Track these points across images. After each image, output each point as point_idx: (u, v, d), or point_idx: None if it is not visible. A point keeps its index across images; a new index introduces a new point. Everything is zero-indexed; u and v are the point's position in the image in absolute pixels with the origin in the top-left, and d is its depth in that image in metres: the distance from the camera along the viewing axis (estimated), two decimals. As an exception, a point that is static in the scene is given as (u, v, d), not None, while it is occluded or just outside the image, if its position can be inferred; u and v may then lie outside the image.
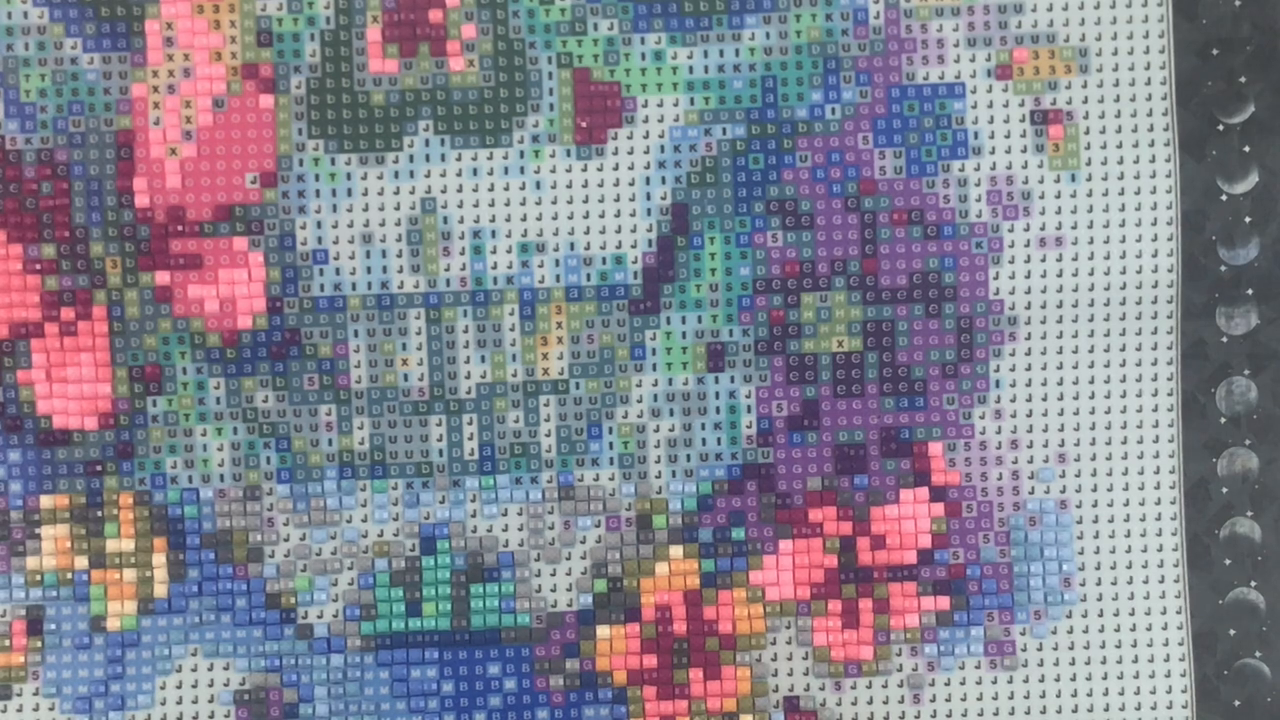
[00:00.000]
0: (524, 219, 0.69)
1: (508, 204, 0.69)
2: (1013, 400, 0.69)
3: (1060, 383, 0.69)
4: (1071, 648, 0.69)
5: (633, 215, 0.69)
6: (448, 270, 0.69)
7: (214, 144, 0.68)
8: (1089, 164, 0.69)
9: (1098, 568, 0.69)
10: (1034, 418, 0.69)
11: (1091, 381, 0.69)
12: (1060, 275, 0.69)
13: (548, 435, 0.69)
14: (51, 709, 0.68)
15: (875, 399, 0.69)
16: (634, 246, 0.69)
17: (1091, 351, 0.69)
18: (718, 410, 0.69)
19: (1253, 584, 0.70)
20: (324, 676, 0.68)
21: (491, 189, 0.69)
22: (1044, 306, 0.69)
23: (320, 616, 0.69)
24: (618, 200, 0.69)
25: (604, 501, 0.69)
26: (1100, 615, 0.69)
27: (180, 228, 0.68)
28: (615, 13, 0.68)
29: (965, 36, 0.69)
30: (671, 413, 0.69)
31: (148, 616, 0.68)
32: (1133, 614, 0.69)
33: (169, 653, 0.68)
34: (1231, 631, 0.70)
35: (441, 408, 0.69)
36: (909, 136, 0.69)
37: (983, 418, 0.69)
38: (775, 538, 0.69)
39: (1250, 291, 0.70)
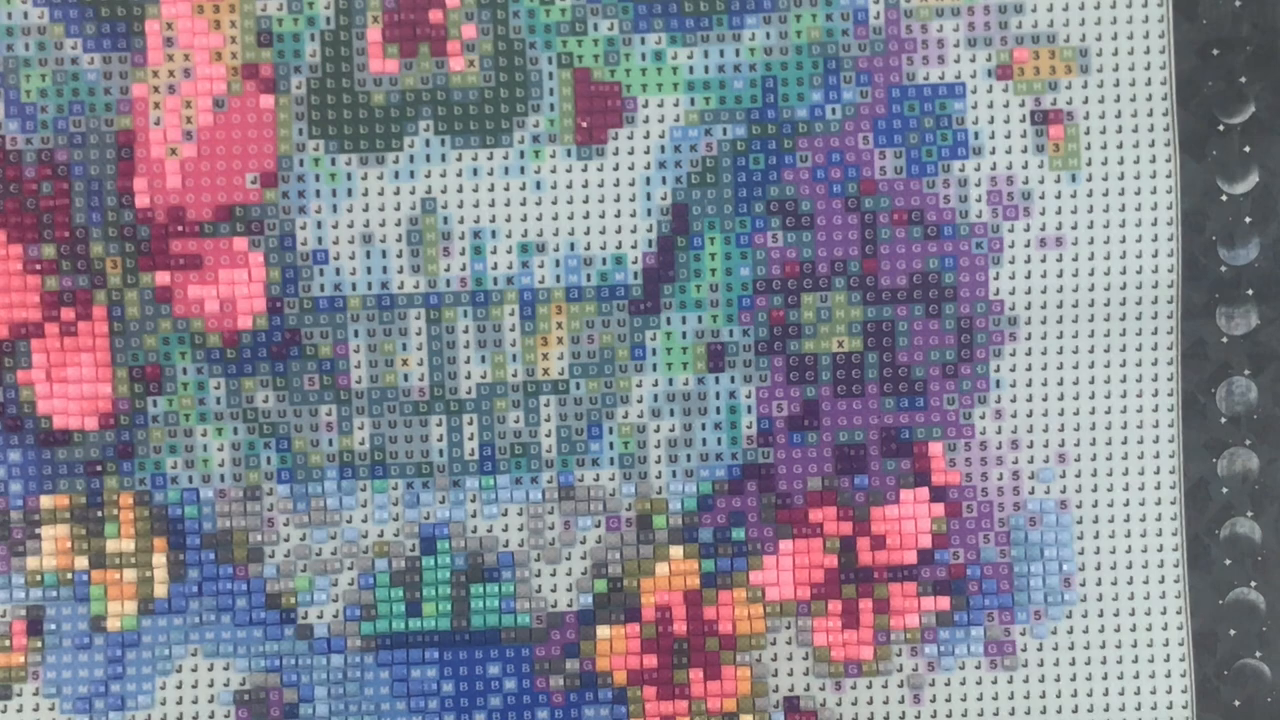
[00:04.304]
0: (524, 219, 0.69)
1: (508, 204, 0.69)
2: (1013, 400, 0.69)
3: (1060, 383, 0.69)
4: (1071, 648, 0.69)
5: (633, 215, 0.69)
6: (448, 270, 0.69)
7: (214, 144, 0.68)
8: (1089, 164, 0.69)
9: (1098, 568, 0.69)
10: (1034, 418, 0.69)
11: (1091, 381, 0.69)
12: (1060, 275, 0.69)
13: (548, 435, 0.69)
14: (51, 709, 0.68)
15: (875, 399, 0.69)
16: (634, 246, 0.69)
17: (1091, 351, 0.69)
18: (718, 410, 0.69)
19: (1253, 584, 0.70)
20: (324, 676, 0.68)
21: (491, 189, 0.69)
22: (1044, 306, 0.69)
23: (320, 616, 0.69)
24: (618, 200, 0.69)
25: (604, 501, 0.69)
26: (1100, 615, 0.69)
27: (180, 228, 0.68)
28: (615, 13, 0.68)
29: (965, 36, 0.69)
30: (672, 413, 0.69)
31: (148, 616, 0.68)
32: (1133, 614, 0.69)
33: (169, 653, 0.68)
34: (1231, 631, 0.70)
35: (441, 408, 0.69)
36: (909, 136, 0.69)
37: (983, 418, 0.69)
38: (775, 538, 0.69)
39: (1250, 291, 0.70)
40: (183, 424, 0.68)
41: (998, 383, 0.69)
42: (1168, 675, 0.69)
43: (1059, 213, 0.69)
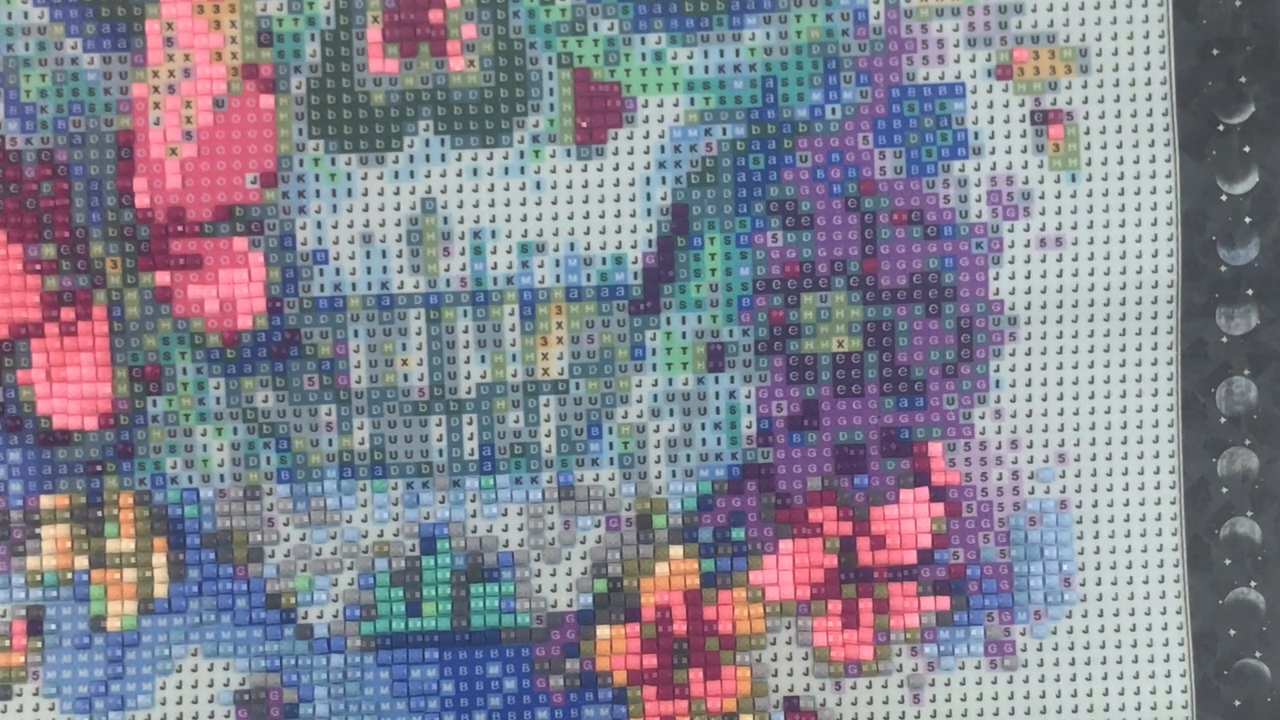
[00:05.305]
0: (524, 219, 0.69)
1: (508, 204, 0.69)
2: (1013, 400, 0.69)
3: (1060, 383, 0.69)
4: (1071, 648, 0.69)
5: (633, 215, 0.69)
6: (448, 270, 0.69)
7: (214, 144, 0.68)
8: (1089, 164, 0.69)
9: (1098, 568, 0.69)
10: (1034, 418, 0.69)
11: (1091, 381, 0.69)
12: (1060, 275, 0.69)
13: (548, 435, 0.69)
14: (51, 709, 0.68)
15: (875, 399, 0.69)
16: (634, 246, 0.69)
17: (1091, 351, 0.69)
18: (718, 410, 0.69)
19: (1253, 584, 0.70)
20: (324, 676, 0.68)
21: (491, 189, 0.69)
22: (1044, 306, 0.69)
23: (320, 616, 0.69)
24: (618, 200, 0.69)
25: (604, 501, 0.69)
26: (1100, 615, 0.69)
27: (180, 228, 0.68)
28: (615, 13, 0.68)
29: (965, 36, 0.69)
30: (671, 413, 0.69)
31: (148, 616, 0.68)
32: (1133, 614, 0.69)
33: (169, 653, 0.68)
34: (1231, 631, 0.70)
35: (441, 408, 0.69)
36: (909, 136, 0.69)
37: (983, 418, 0.69)
38: (775, 538, 0.69)
39: (1250, 291, 0.70)
40: (183, 424, 0.68)
41: (998, 383, 0.69)
42: (1168, 675, 0.69)
43: (1059, 213, 0.69)
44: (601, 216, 0.69)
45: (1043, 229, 0.69)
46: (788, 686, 0.69)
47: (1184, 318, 0.69)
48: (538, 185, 0.69)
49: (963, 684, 0.69)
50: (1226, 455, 0.70)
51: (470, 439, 0.69)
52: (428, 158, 0.68)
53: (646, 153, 0.69)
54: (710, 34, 0.68)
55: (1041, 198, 0.69)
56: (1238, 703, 0.70)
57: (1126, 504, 0.69)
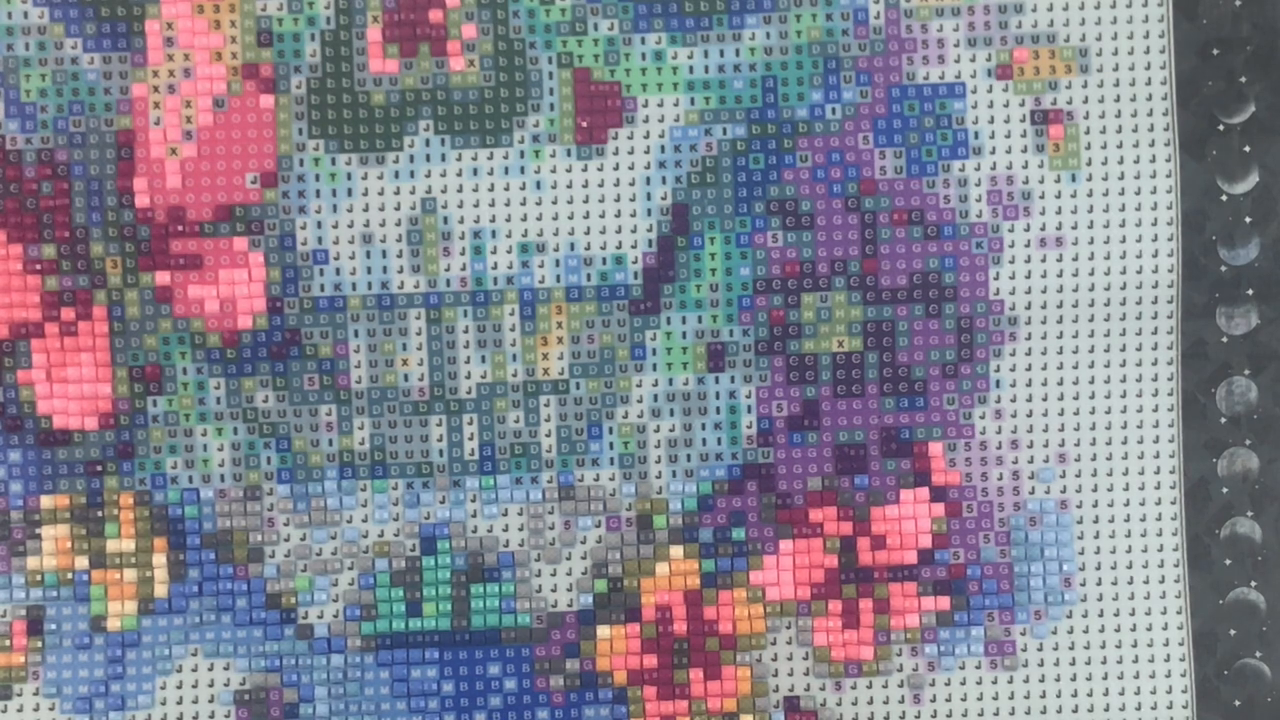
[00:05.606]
0: (524, 219, 0.69)
1: (508, 204, 0.69)
2: (1013, 400, 0.69)
3: (1060, 383, 0.69)
4: (1071, 648, 0.69)
5: (633, 215, 0.69)
6: (448, 270, 0.69)
7: (214, 144, 0.68)
8: (1089, 164, 0.69)
9: (1098, 568, 0.69)
10: (1034, 418, 0.69)
11: (1091, 381, 0.69)
12: (1060, 275, 0.69)
13: (548, 435, 0.69)
14: (51, 709, 0.68)
15: (875, 399, 0.69)
16: (634, 246, 0.69)
17: (1091, 351, 0.69)
18: (718, 410, 0.69)
19: (1253, 584, 0.70)
20: (324, 676, 0.68)
21: (491, 189, 0.69)
22: (1044, 306, 0.69)
23: (320, 616, 0.69)
24: (618, 200, 0.69)
25: (604, 501, 0.69)
26: (1100, 615, 0.69)
27: (180, 228, 0.68)
28: (615, 13, 0.68)
29: (965, 36, 0.69)
30: (672, 413, 0.69)
31: (148, 616, 0.68)
32: (1133, 614, 0.69)
33: (169, 653, 0.68)
34: (1231, 631, 0.70)
35: (442, 408, 0.69)
36: (909, 136, 0.69)
37: (983, 418, 0.69)
38: (775, 538, 0.69)
39: (1250, 291, 0.70)
40: (183, 424, 0.68)
41: (998, 383, 0.69)
42: (1168, 675, 0.69)
43: (1059, 213, 0.69)
44: (601, 216, 0.69)
45: (1043, 229, 0.69)
46: (788, 686, 0.69)
47: (1184, 318, 0.69)
48: (538, 185, 0.69)
49: (963, 684, 0.69)
50: (1227, 455, 0.70)
51: (470, 439, 0.69)
52: (428, 158, 0.68)
53: (646, 153, 0.69)
54: (710, 34, 0.68)
55: (1041, 198, 0.69)
56: (1238, 703, 0.70)
57: (1126, 504, 0.69)
